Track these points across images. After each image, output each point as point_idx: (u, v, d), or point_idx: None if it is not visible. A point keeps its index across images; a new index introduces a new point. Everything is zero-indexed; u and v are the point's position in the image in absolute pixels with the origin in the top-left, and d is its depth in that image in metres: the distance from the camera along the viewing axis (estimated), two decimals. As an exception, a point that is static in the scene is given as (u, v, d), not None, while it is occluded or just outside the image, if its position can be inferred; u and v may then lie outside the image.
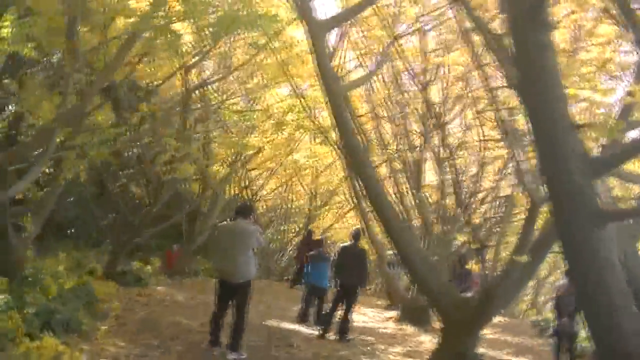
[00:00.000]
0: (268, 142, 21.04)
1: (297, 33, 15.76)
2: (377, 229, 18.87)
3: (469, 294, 13.56)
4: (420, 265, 11.17)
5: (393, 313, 20.42)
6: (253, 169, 27.51)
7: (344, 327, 14.19)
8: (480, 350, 11.96)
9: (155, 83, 15.99)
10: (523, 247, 10.66)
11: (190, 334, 11.88)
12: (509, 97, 11.21)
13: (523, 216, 13.44)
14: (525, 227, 10.94)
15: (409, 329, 17.45)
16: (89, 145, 11.89)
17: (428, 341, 15.65)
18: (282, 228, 34.51)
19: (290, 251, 34.26)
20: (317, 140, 27.32)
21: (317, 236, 23.01)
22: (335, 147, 13.69)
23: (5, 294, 10.00)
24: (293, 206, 34.47)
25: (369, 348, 13.68)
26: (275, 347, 12.09)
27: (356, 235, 14.72)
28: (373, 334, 16.05)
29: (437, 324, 18.57)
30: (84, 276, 13.38)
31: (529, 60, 6.60)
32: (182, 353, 10.28)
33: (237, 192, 27.84)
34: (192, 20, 10.98)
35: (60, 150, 11.39)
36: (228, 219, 12.20)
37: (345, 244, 14.90)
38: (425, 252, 11.95)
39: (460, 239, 18.58)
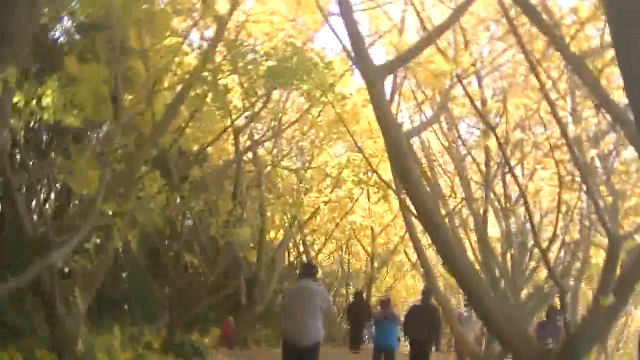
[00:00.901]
0: (324, 202, 20.30)
1: (351, 87, 15.27)
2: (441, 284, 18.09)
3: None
4: (497, 317, 10.29)
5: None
6: (309, 233, 26.95)
7: None
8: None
9: (205, 147, 15.42)
10: (605, 288, 9.74)
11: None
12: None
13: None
14: (607, 265, 10.03)
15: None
16: (139, 211, 11.27)
17: None
18: (342, 291, 33.82)
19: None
20: (374, 199, 26.82)
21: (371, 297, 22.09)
22: (397, 199, 12.89)
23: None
24: (351, 269, 33.75)
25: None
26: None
27: (427, 292, 14.33)
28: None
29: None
30: (139, 350, 12.60)
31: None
32: None
33: (294, 257, 27.30)
34: (241, 71, 10.38)
35: (108, 218, 10.77)
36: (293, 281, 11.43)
37: (416, 302, 14.37)
38: (501, 304, 10.97)
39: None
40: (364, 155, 13.95)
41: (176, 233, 17.90)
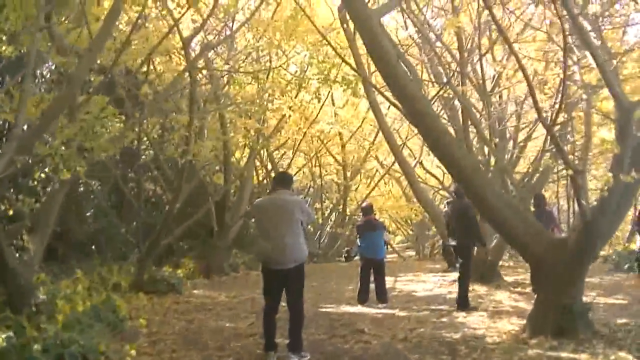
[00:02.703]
0: (289, 107, 18.88)
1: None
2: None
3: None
4: (501, 209, 9.18)
5: (455, 275, 18.47)
6: (276, 149, 25.77)
7: (461, 295, 12.91)
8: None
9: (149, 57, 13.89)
10: (620, 164, 8.62)
11: (239, 340, 9.89)
12: None
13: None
14: (618, 138, 8.85)
15: (479, 289, 15.56)
16: (86, 137, 9.86)
17: (506, 298, 14.02)
18: (315, 206, 32.83)
19: (327, 230, 32.76)
20: (341, 101, 25.71)
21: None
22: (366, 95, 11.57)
23: (9, 330, 8.10)
24: (324, 182, 32.68)
25: (445, 320, 11.60)
26: (342, 337, 10.04)
27: (458, 192, 13.10)
28: (443, 301, 14.13)
29: (507, 279, 16.83)
30: (103, 294, 11.35)
31: None
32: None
33: (263, 176, 26.18)
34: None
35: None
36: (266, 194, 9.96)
37: (450, 200, 13.92)
38: (505, 195, 9.80)
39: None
40: (330, 44, 12.46)
41: (133, 161, 16.60)
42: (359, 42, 13.23)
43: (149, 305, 13.41)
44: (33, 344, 7.53)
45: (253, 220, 9.17)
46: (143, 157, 19.31)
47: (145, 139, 17.13)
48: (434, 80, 17.35)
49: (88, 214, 21.79)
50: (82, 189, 21.29)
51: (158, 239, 15.82)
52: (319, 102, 19.79)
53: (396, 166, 28.25)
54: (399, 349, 9.10)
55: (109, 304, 10.74)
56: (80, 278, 12.75)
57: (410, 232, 39.14)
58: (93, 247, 21.14)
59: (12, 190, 12.52)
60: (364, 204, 15.82)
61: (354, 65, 15.45)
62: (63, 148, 9.37)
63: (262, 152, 25.04)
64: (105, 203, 19.99)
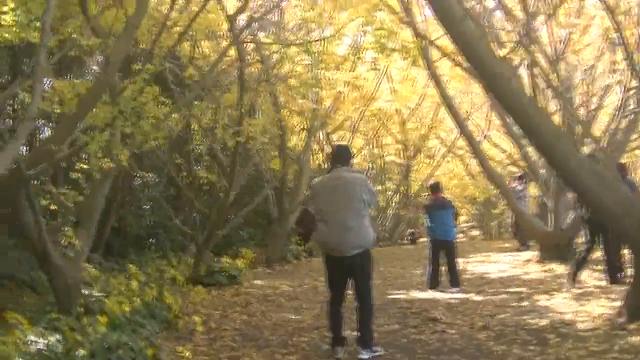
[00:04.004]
0: (345, 83, 17.98)
1: None
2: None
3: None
4: (586, 178, 8.17)
5: (528, 254, 17.49)
6: (333, 132, 24.97)
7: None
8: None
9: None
10: None
11: (303, 334, 9.10)
12: None
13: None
14: None
15: (557, 268, 14.47)
16: (126, 122, 9.13)
17: (589, 278, 12.64)
18: (377, 188, 31.97)
19: (390, 212, 31.89)
20: (399, 77, 24.76)
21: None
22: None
23: (57, 333, 7.42)
24: (384, 163, 31.75)
25: (526, 304, 10.62)
26: (415, 328, 9.17)
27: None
28: (520, 283, 13.12)
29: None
30: (155, 289, 10.60)
31: None
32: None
33: (321, 161, 25.46)
34: None
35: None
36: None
37: None
38: (590, 162, 8.76)
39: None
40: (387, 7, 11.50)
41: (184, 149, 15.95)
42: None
43: (208, 299, 12.72)
44: (78, 348, 6.82)
45: (311, 203, 8.06)
46: (196, 145, 18.76)
47: (196, 126, 16.42)
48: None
49: (145, 207, 21.41)
50: (138, 182, 20.92)
51: (214, 229, 15.11)
52: (377, 72, 18.87)
53: (459, 143, 27.37)
54: (480, 340, 8.14)
55: (162, 300, 10.06)
56: (134, 273, 12.09)
57: (475, 212, 38.08)
58: (151, 240, 20.74)
59: (53, 183, 11.94)
60: (431, 182, 14.91)
61: (413, 28, 14.43)
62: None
63: (319, 134, 24.26)
64: (161, 195, 19.38)
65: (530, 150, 19.46)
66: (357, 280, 7.77)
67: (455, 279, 12.81)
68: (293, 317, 10.53)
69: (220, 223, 15.55)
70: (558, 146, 8.11)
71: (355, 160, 32.80)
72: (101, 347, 7.04)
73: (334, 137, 26.85)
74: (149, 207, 21.28)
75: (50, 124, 14.45)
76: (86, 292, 10.02)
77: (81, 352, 6.70)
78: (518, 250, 19.31)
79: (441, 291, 12.55)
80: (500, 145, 25.22)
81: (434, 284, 12.91)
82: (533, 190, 21.33)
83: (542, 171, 17.41)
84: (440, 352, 7.61)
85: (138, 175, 19.19)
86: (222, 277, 14.37)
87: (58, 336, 7.34)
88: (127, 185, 19.82)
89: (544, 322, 8.88)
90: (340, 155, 8.19)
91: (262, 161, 19.28)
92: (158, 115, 10.69)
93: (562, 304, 10.23)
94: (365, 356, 7.49)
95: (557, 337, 7.83)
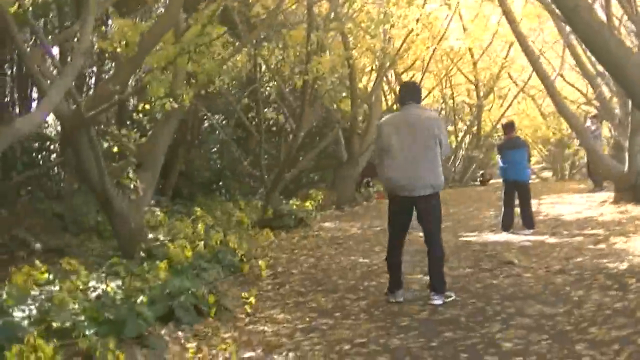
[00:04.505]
0: (416, 20, 17.32)
1: None
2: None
3: None
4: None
5: (604, 195, 16.72)
6: (403, 72, 24.31)
7: None
8: None
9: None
10: None
11: (372, 278, 8.70)
12: None
13: None
14: None
15: (633, 209, 13.61)
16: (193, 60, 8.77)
17: None
18: (449, 129, 31.32)
19: (461, 153, 31.30)
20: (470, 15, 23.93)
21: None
22: None
23: (114, 280, 7.22)
24: (455, 104, 31.02)
25: (603, 246, 9.98)
26: (490, 272, 8.68)
27: None
28: (596, 224, 12.41)
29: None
30: (221, 233, 10.32)
31: None
32: (368, 314, 7.00)
33: (391, 102, 24.91)
34: None
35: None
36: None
37: None
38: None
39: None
40: None
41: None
42: None
43: (277, 242, 12.47)
44: (138, 295, 6.58)
45: (378, 142, 7.49)
46: (265, 86, 18.47)
47: (264, 66, 16.07)
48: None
49: (214, 150, 21.31)
50: (205, 124, 20.79)
51: (282, 171, 14.83)
52: (448, 9, 18.15)
53: (531, 83, 26.58)
54: (557, 284, 7.60)
55: (226, 245, 9.80)
56: (201, 217, 11.88)
57: (547, 153, 37.10)
58: (220, 184, 20.65)
59: (115, 124, 11.75)
60: (504, 121, 14.27)
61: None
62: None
63: (389, 75, 23.67)
64: (229, 138, 19.18)
65: (606, 90, 18.78)
66: (427, 222, 7.32)
67: (529, 221, 12.24)
68: (362, 260, 10.15)
69: (289, 165, 15.23)
70: (635, 76, 7.43)
71: (427, 101, 32.36)
72: (161, 294, 6.80)
73: (405, 77, 26.25)
74: (216, 150, 21.21)
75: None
76: (152, 236, 9.86)
77: (141, 298, 6.44)
78: (592, 191, 18.54)
79: (515, 233, 11.98)
80: (575, 84, 24.31)
81: (507, 225, 12.37)
82: (606, 130, 20.60)
83: (617, 111, 16.67)
84: (515, 298, 7.09)
85: (206, 117, 19.01)
86: (290, 220, 14.10)
87: (119, 282, 7.16)
88: (195, 127, 19.74)
89: (623, 266, 8.23)
90: (411, 91, 7.67)
91: (331, 102, 18.86)
92: (223, 55, 10.36)
93: (640, 247, 9.62)
94: (438, 302, 7.08)
95: (638, 282, 7.23)
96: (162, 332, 6.18)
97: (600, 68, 17.25)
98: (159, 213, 12.78)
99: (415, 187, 7.12)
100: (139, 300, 6.35)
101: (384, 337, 6.05)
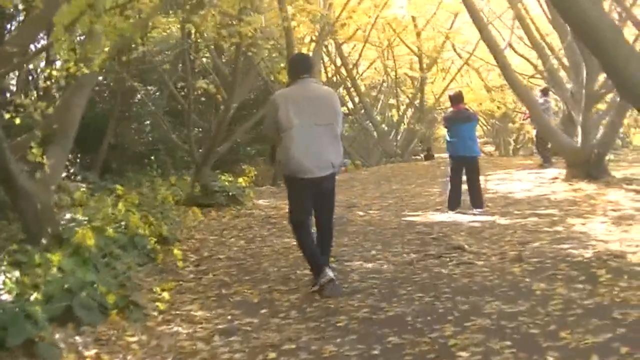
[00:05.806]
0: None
1: None
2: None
3: None
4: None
5: (554, 172, 16.15)
6: (344, 41, 23.60)
7: None
8: None
9: None
10: None
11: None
12: None
13: None
14: None
15: (586, 187, 13.08)
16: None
17: (624, 199, 11.32)
18: (390, 102, 30.75)
19: (403, 127, 30.85)
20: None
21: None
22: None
23: (14, 269, 6.18)
24: (398, 76, 30.40)
25: (560, 229, 9.19)
26: (438, 258, 7.82)
27: None
28: (549, 204, 11.74)
29: (615, 175, 14.38)
30: (137, 214, 9.25)
31: None
32: (300, 311, 6.16)
33: (332, 73, 24.16)
34: None
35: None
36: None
37: None
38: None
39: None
40: None
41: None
42: None
43: (206, 222, 11.55)
44: (31, 291, 5.59)
45: (272, 118, 6.68)
46: (198, 56, 17.51)
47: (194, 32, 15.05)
48: None
49: (146, 122, 20.38)
50: (138, 97, 19.81)
51: (213, 145, 13.88)
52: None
53: (476, 55, 26.21)
54: (515, 274, 6.73)
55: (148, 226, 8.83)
56: (122, 195, 10.84)
57: (489, 128, 36.90)
58: (152, 158, 19.70)
59: (21, 93, 10.61)
60: (452, 92, 13.47)
61: None
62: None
63: (329, 45, 22.90)
64: (162, 110, 18.17)
65: (555, 63, 18.34)
66: (326, 205, 7.02)
67: (478, 200, 11.52)
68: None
69: (220, 138, 14.28)
70: (616, 50, 6.57)
71: (368, 73, 31.72)
72: (60, 289, 5.82)
73: (346, 48, 25.51)
74: (149, 123, 20.27)
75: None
76: (69, 217, 8.82)
77: (35, 295, 5.47)
78: (541, 167, 18.01)
79: (462, 213, 11.28)
80: (525, 55, 23.77)
81: (454, 204, 11.60)
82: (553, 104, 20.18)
83: (569, 85, 16.18)
84: (468, 292, 6.21)
85: (139, 89, 17.99)
86: (221, 197, 13.15)
87: (17, 273, 6.14)
88: (125, 99, 18.77)
89: (588, 253, 7.45)
90: (306, 63, 7.20)
91: (269, 73, 17.97)
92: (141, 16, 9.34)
93: (602, 230, 8.83)
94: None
95: (608, 273, 6.33)
96: (57, 336, 5.24)
97: (549, 40, 16.80)
98: (84, 189, 11.76)
99: (321, 167, 6.64)
100: (32, 298, 5.40)
101: (317, 341, 5.18)
